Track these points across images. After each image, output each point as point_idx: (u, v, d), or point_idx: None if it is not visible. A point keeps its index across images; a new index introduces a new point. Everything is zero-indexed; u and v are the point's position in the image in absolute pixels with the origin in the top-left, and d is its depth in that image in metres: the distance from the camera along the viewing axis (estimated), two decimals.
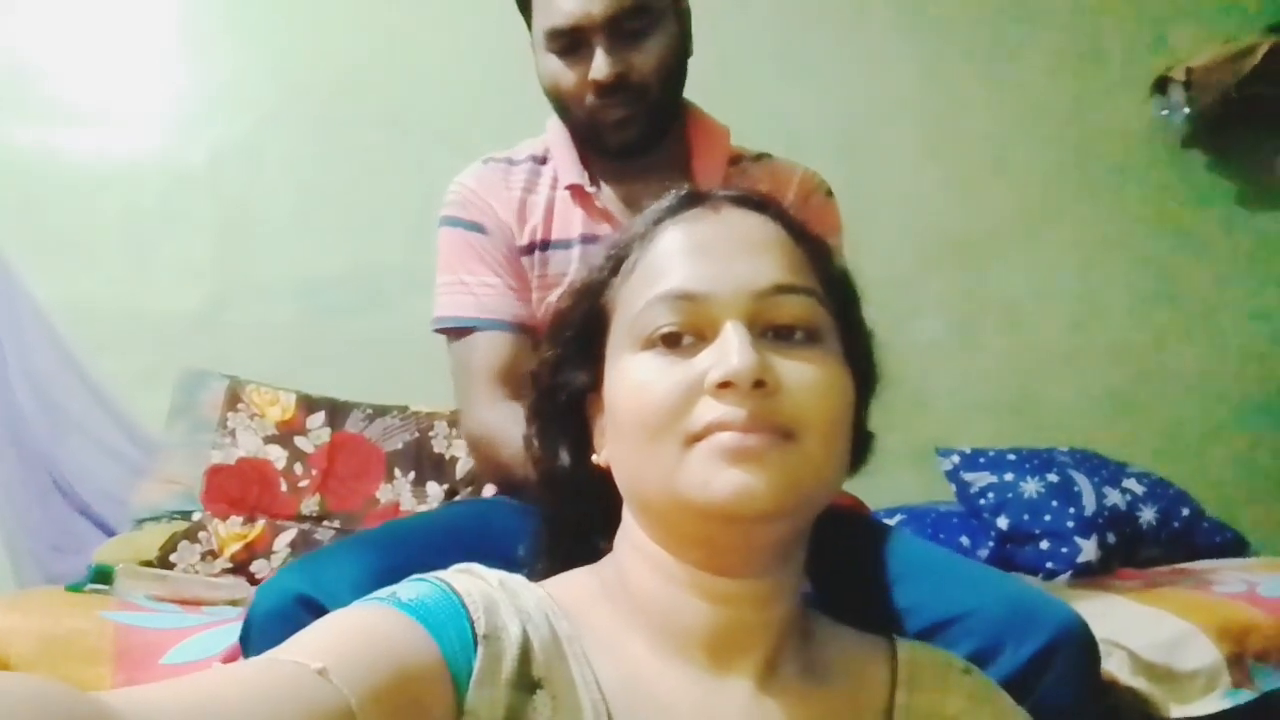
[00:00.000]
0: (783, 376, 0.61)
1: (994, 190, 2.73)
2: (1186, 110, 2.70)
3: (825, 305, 0.66)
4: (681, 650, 0.63)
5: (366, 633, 0.54)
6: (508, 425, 1.12)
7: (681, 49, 1.22)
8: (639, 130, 1.20)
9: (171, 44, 2.43)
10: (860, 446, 0.70)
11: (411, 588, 0.60)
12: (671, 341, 0.63)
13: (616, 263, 0.70)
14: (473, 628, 0.57)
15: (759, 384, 0.60)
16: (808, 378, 0.62)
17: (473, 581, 0.61)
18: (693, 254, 0.66)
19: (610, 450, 0.68)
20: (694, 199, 0.70)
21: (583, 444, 0.71)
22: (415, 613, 0.57)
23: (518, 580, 0.65)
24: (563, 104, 1.21)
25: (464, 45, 2.49)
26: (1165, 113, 2.74)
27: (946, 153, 2.72)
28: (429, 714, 0.53)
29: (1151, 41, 2.78)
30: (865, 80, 2.70)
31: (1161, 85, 2.74)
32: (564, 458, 0.72)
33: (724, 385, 0.60)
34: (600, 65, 1.14)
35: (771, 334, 0.63)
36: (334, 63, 2.47)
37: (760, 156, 1.30)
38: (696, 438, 0.60)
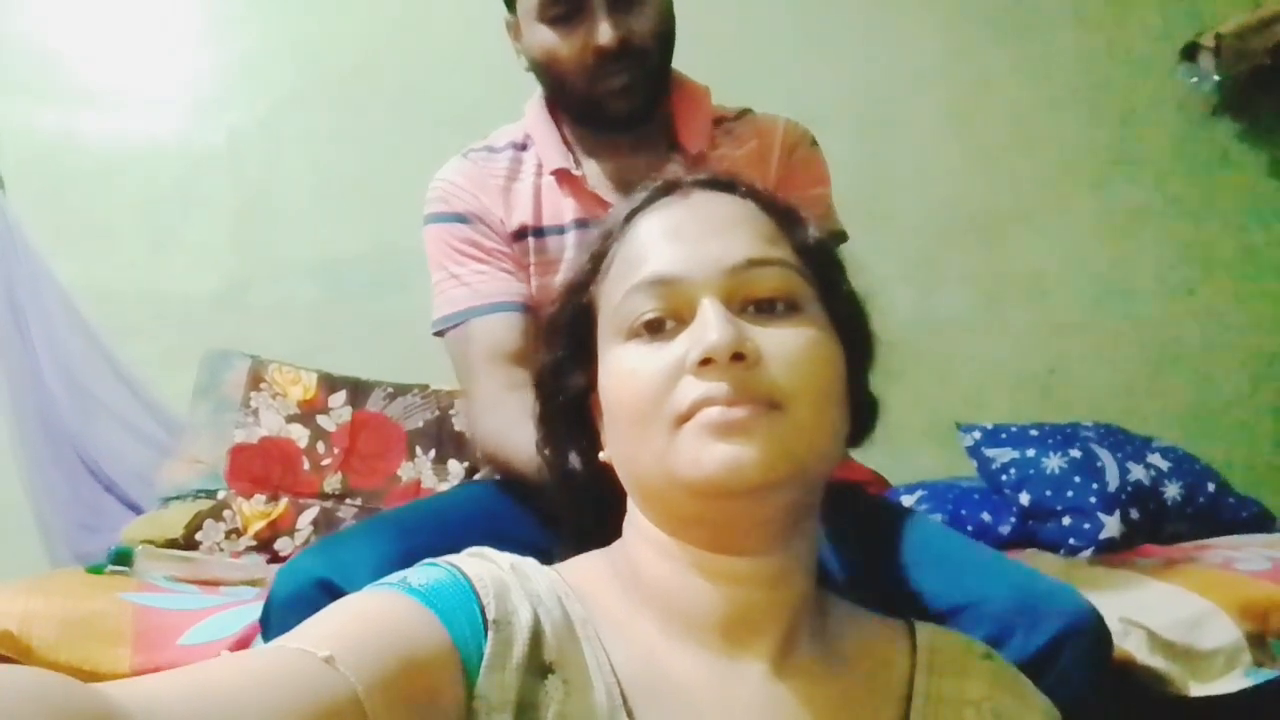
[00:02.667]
0: (763, 347, 0.61)
1: (1018, 162, 2.69)
2: (1216, 78, 2.64)
3: (803, 275, 0.66)
4: (694, 634, 0.63)
5: (375, 619, 0.55)
6: (519, 426, 1.04)
7: (671, 12, 1.20)
8: (639, 97, 1.17)
9: (190, 27, 2.44)
10: (863, 415, 0.70)
11: (422, 573, 0.60)
12: (654, 328, 0.64)
13: (597, 260, 0.71)
14: (483, 613, 0.57)
15: (738, 357, 0.59)
16: (789, 346, 0.62)
17: (484, 566, 0.61)
18: (665, 239, 0.66)
19: (609, 444, 0.68)
20: (664, 189, 0.71)
21: (590, 445, 0.71)
22: (425, 598, 0.57)
23: (530, 563, 0.65)
24: (559, 77, 1.17)
25: (480, 25, 2.46)
26: (1194, 80, 2.69)
27: (970, 125, 2.68)
28: (438, 700, 0.54)
29: (1180, 7, 2.72)
30: (887, 53, 2.67)
31: (1190, 52, 2.68)
32: (573, 461, 0.73)
33: (704, 363, 0.60)
34: (604, 31, 1.12)
35: (752, 309, 0.63)
36: (351, 44, 2.47)
37: (742, 114, 1.28)
38: (684, 418, 0.60)
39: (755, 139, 1.24)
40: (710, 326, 0.60)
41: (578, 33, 1.14)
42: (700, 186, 0.70)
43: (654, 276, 0.64)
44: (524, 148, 1.24)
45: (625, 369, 0.64)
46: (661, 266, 0.64)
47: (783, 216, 0.70)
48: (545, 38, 1.16)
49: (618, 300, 0.66)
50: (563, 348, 0.71)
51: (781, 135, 1.25)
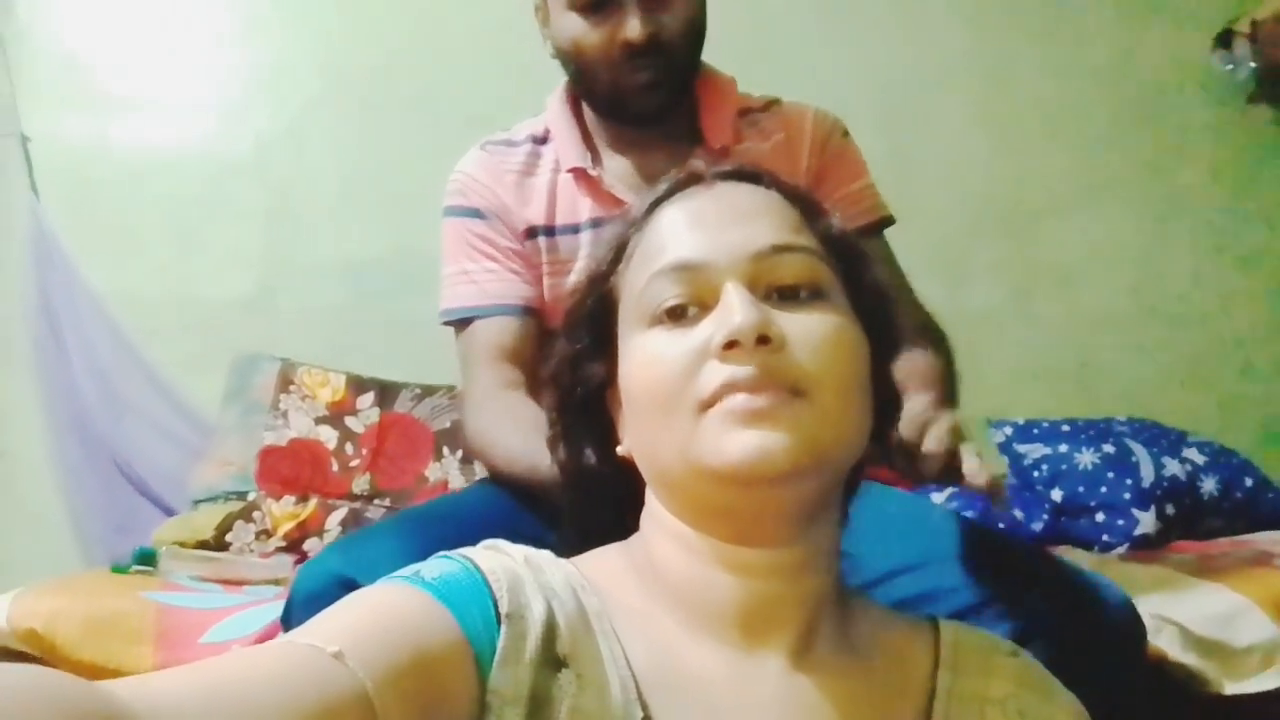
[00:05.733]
0: (788, 332, 0.60)
1: (1048, 152, 2.65)
2: (1252, 64, 2.59)
3: (827, 263, 0.66)
4: (712, 628, 0.62)
5: (386, 613, 0.54)
6: (501, 425, 1.08)
7: (703, 10, 1.19)
8: (664, 94, 1.16)
9: (215, 34, 2.47)
10: (887, 407, 0.69)
11: (435, 565, 0.60)
12: (677, 315, 0.63)
13: (618, 250, 0.70)
14: (496, 606, 0.57)
15: (763, 340, 0.59)
16: (814, 332, 0.61)
17: (497, 558, 0.61)
18: (689, 227, 0.66)
19: (630, 435, 0.67)
20: (688, 179, 0.71)
21: (607, 440, 0.71)
22: (438, 591, 0.57)
23: (545, 556, 0.64)
24: (584, 67, 1.16)
25: (503, 28, 2.48)
26: (1229, 67, 2.64)
27: (998, 116, 2.65)
28: (450, 694, 0.53)
29: None
30: (913, 44, 2.64)
31: (1225, 38, 2.63)
32: (589, 456, 0.72)
33: (729, 346, 0.59)
34: (634, 25, 1.11)
35: (776, 296, 0.63)
36: (374, 48, 2.49)
37: (769, 104, 1.26)
38: (708, 404, 0.59)
39: (782, 131, 1.22)
40: (735, 310, 0.59)
41: (607, 24, 1.12)
42: (724, 177, 0.70)
43: (678, 262, 0.64)
44: (543, 141, 1.24)
45: (648, 355, 0.63)
46: (685, 252, 0.64)
47: (806, 206, 0.70)
48: (573, 26, 1.15)
49: (640, 287, 0.65)
50: (583, 339, 0.71)
51: (811, 127, 1.23)
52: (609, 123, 1.22)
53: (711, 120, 1.21)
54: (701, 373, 0.60)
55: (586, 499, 0.74)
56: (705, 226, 0.65)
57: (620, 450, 0.69)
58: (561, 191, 1.21)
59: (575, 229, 1.20)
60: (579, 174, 1.20)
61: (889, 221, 1.24)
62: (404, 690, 0.50)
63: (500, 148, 1.24)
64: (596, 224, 1.18)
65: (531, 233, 1.20)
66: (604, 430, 0.71)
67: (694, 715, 0.59)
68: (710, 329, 0.61)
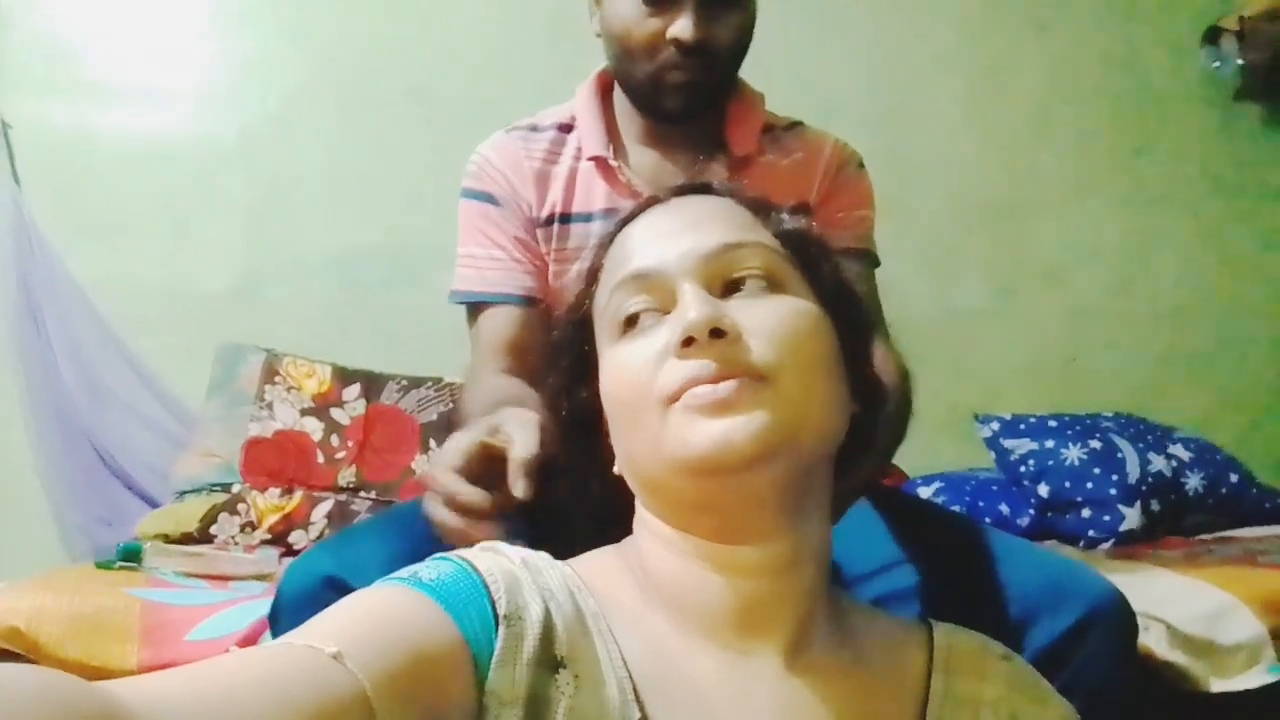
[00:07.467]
0: (744, 323, 0.61)
1: (1037, 150, 2.68)
2: (1239, 62, 2.62)
3: (783, 256, 0.67)
4: (705, 629, 0.63)
5: (384, 615, 0.54)
6: (472, 394, 1.10)
7: (752, 29, 1.20)
8: (697, 98, 1.17)
9: (200, 22, 2.45)
10: (869, 394, 0.70)
11: (433, 567, 0.60)
12: (641, 323, 0.65)
13: (591, 275, 0.73)
14: (494, 607, 0.57)
15: (718, 333, 0.60)
16: (771, 319, 0.62)
17: (495, 560, 0.61)
18: (644, 241, 0.69)
19: (615, 447, 0.68)
20: (648, 202, 0.74)
21: (608, 463, 0.71)
22: (435, 593, 0.56)
23: (542, 558, 0.64)
24: (628, 54, 1.16)
25: (490, 17, 2.47)
26: (1216, 65, 2.67)
27: (988, 112, 2.67)
28: (448, 696, 0.53)
29: None
30: (903, 40, 2.65)
31: (1213, 36, 2.66)
32: (593, 486, 0.73)
33: (687, 344, 0.60)
34: (687, 25, 1.11)
35: (734, 293, 0.65)
36: (361, 37, 2.47)
37: (792, 125, 1.27)
38: (672, 399, 0.60)
39: (802, 151, 1.24)
40: (689, 307, 0.61)
41: (662, 17, 1.13)
42: (679, 193, 0.73)
43: (635, 272, 0.66)
44: (569, 130, 1.24)
45: (617, 364, 0.65)
46: (641, 262, 0.66)
47: (758, 208, 0.72)
48: (629, 11, 1.15)
49: (605, 302, 0.68)
50: (569, 367, 0.72)
51: (829, 153, 1.25)
52: (640, 114, 1.23)
53: (738, 130, 1.22)
54: (663, 371, 0.61)
55: (595, 520, 0.74)
56: (660, 237, 0.68)
57: (615, 470, 0.69)
58: (580, 179, 1.21)
59: (588, 218, 1.20)
60: (599, 162, 1.21)
61: (874, 259, 1.25)
62: (402, 692, 0.50)
63: (524, 133, 1.24)
64: (609, 214, 1.19)
65: (547, 220, 1.21)
66: (601, 455, 0.71)
67: (690, 716, 0.60)
68: (669, 330, 0.62)
